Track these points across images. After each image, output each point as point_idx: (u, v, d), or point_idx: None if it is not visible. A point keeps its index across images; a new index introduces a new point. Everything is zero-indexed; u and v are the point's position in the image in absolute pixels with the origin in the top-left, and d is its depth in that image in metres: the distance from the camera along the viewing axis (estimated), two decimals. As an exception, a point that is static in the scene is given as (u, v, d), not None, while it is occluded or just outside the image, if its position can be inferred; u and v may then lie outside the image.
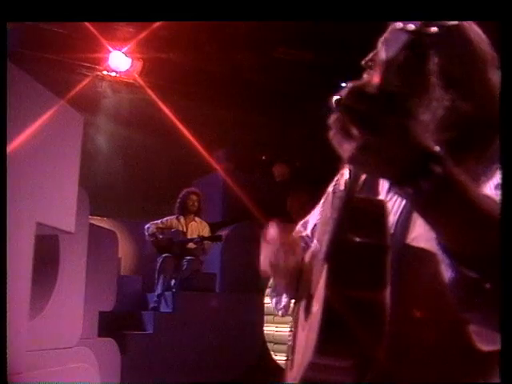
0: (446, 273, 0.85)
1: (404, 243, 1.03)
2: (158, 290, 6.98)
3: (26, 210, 3.01)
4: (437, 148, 0.77)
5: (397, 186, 0.79)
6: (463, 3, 0.70)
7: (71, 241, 4.02)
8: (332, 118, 0.78)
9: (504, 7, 0.72)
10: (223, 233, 7.42)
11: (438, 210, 0.79)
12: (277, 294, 1.46)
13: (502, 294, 0.77)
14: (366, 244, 0.88)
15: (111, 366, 5.09)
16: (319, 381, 0.90)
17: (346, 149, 0.77)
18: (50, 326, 3.77)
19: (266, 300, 5.01)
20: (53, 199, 3.38)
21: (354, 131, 0.75)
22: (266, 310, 4.86)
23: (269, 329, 4.63)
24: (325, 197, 1.40)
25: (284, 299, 1.43)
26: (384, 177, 0.83)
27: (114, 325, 6.01)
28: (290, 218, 7.76)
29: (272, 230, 1.29)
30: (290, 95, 9.40)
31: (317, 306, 0.92)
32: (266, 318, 4.82)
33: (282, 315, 1.45)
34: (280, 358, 4.29)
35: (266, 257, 1.29)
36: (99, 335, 5.04)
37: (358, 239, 0.88)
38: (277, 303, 1.45)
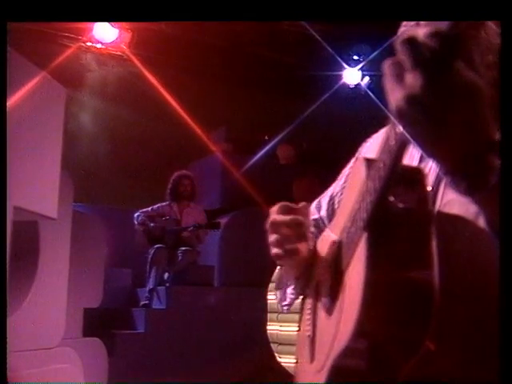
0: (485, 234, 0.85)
1: (438, 208, 1.03)
2: (150, 285, 6.97)
3: (1, 191, 2.99)
4: (498, 136, 0.73)
5: (449, 175, 0.76)
6: (463, 3, 0.73)
7: (53, 228, 4.02)
8: (389, 62, 0.74)
9: (504, 7, 0.75)
10: (222, 221, 7.40)
11: (490, 204, 0.78)
12: (282, 287, 1.44)
13: (501, 293, 0.79)
14: (411, 210, 0.89)
15: (97, 369, 5.11)
16: (354, 368, 0.89)
17: (395, 97, 0.73)
18: (29, 324, 3.77)
19: (270, 296, 5.01)
20: (32, 181, 3.36)
21: (410, 78, 0.72)
22: (269, 307, 4.86)
23: (272, 328, 4.61)
24: (344, 176, 1.38)
25: (290, 294, 1.41)
26: (434, 152, 0.78)
27: (100, 323, 6.03)
28: (295, 203, 7.69)
29: (279, 210, 1.26)
30: (296, 69, 9.35)
31: (353, 284, 0.91)
32: (268, 316, 4.81)
33: (286, 312, 1.44)
34: (285, 360, 4.28)
35: (273, 242, 1.26)
36: (84, 335, 5.06)
37: (401, 205, 0.88)
38: (281, 298, 1.44)
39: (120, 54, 8.63)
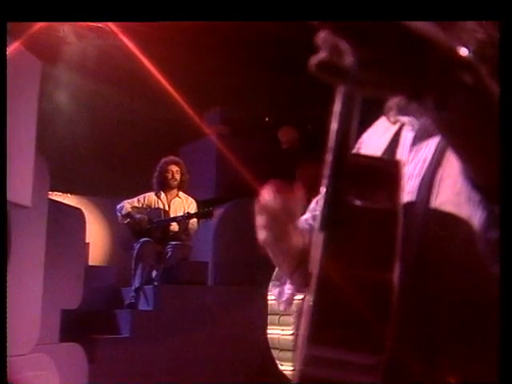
0: (478, 221, 0.91)
1: (429, 209, 1.08)
2: (136, 284, 6.97)
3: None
4: (464, 51, 0.79)
5: (414, 100, 0.82)
6: (463, 3, 0.79)
7: (26, 218, 4.00)
8: (320, 36, 0.80)
9: (504, 7, 0.81)
10: (216, 212, 7.39)
11: (466, 127, 0.83)
12: (280, 282, 1.46)
13: (501, 293, 0.84)
14: (371, 209, 0.91)
15: (76, 378, 5.12)
16: (320, 379, 0.92)
17: (341, 70, 0.78)
18: (-1, 327, 3.73)
19: (270, 296, 4.98)
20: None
21: (346, 46, 0.77)
22: (269, 308, 4.83)
23: (273, 332, 4.60)
24: None
25: (287, 290, 1.43)
26: (395, 94, 0.86)
27: (79, 326, 6.03)
28: None
29: (269, 190, 1.27)
30: (299, 43, 9.30)
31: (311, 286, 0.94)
32: (269, 318, 4.79)
33: (284, 309, 1.47)
34: (287, 367, 4.26)
35: (260, 225, 1.28)
36: (61, 339, 5.06)
37: (360, 203, 0.90)
38: (279, 294, 1.46)
39: (101, 26, 8.58)
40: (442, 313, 1.06)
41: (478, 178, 0.89)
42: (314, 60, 0.80)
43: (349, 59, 0.77)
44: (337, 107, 0.93)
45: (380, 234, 0.90)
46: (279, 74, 9.44)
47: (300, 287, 1.36)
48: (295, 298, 1.42)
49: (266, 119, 9.41)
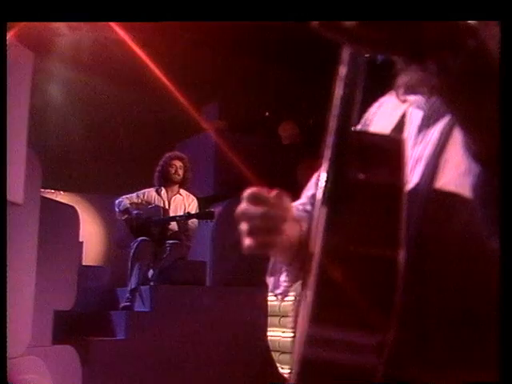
0: (478, 194, 0.94)
1: (431, 189, 1.11)
2: (132, 284, 6.94)
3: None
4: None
5: (414, 61, 0.84)
6: (463, 3, 0.81)
7: (18, 216, 3.98)
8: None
9: (504, 7, 0.84)
10: (215, 210, 7.37)
11: (467, 91, 0.86)
12: (275, 272, 1.45)
13: (502, 293, 0.87)
14: (374, 184, 0.93)
15: (69, 381, 5.09)
16: (322, 361, 0.93)
17: (342, 26, 0.80)
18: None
19: (270, 297, 4.97)
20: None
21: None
22: (269, 309, 4.82)
23: (274, 334, 4.58)
24: None
25: (283, 282, 1.42)
26: (395, 53, 0.87)
27: (73, 328, 6.02)
28: (300, 190, 7.75)
29: (248, 200, 1.26)
30: (301, 34, 9.28)
31: (312, 267, 0.95)
32: (269, 320, 4.78)
33: (281, 300, 1.48)
34: (288, 371, 4.24)
35: (243, 232, 1.23)
36: (54, 341, 5.04)
37: (362, 177, 0.92)
38: (275, 285, 1.45)
39: (96, 16, 8.56)
40: (440, 295, 1.08)
41: (477, 148, 0.92)
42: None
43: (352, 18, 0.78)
44: (341, 73, 0.96)
45: (384, 209, 0.91)
46: (279, 66, 9.44)
47: (297, 278, 1.36)
48: (290, 293, 1.42)
49: (266, 114, 9.40)
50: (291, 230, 1.27)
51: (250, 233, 1.23)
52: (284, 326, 4.55)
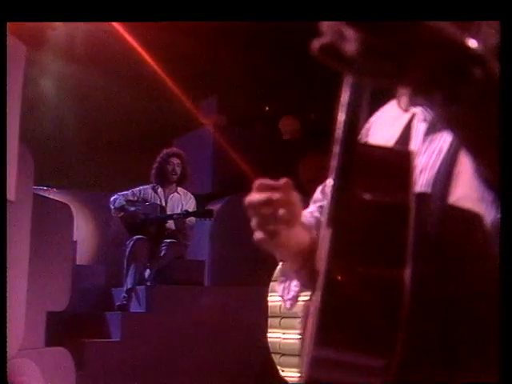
0: (492, 221, 0.96)
1: (446, 204, 1.09)
2: (128, 284, 6.93)
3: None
4: (473, 43, 0.81)
5: (421, 92, 0.85)
6: (463, 3, 0.83)
7: (10, 213, 3.96)
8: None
9: (504, 7, 0.85)
10: (213, 207, 7.37)
11: (475, 121, 0.86)
12: (286, 278, 1.45)
13: (501, 294, 0.88)
14: (381, 203, 0.92)
15: (63, 384, 5.05)
16: (327, 382, 0.94)
17: (344, 55, 0.80)
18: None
19: (271, 297, 4.96)
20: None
21: (352, 32, 0.78)
22: (269, 310, 4.81)
23: (274, 336, 4.57)
24: None
25: (293, 287, 1.42)
26: (401, 85, 0.90)
27: (67, 330, 6.02)
28: (301, 187, 7.76)
29: (255, 189, 1.27)
30: (301, 28, 9.27)
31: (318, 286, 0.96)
32: (269, 321, 4.77)
33: (289, 308, 1.46)
34: (289, 374, 4.24)
35: (254, 226, 1.26)
36: (47, 344, 5.04)
37: (369, 197, 0.92)
38: (284, 291, 1.45)
39: (91, 8, 8.54)
40: (459, 312, 1.07)
41: (489, 176, 0.92)
42: (317, 42, 0.81)
43: (354, 46, 0.79)
44: (344, 97, 0.94)
45: (390, 229, 0.90)
46: (280, 59, 9.42)
47: (307, 285, 1.36)
48: (301, 297, 1.41)
49: (266, 108, 9.40)
50: (301, 237, 1.29)
51: (259, 224, 1.25)
52: (285, 328, 4.55)
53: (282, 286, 1.46)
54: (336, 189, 0.94)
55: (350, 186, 0.92)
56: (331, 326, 0.89)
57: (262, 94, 9.27)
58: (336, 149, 0.94)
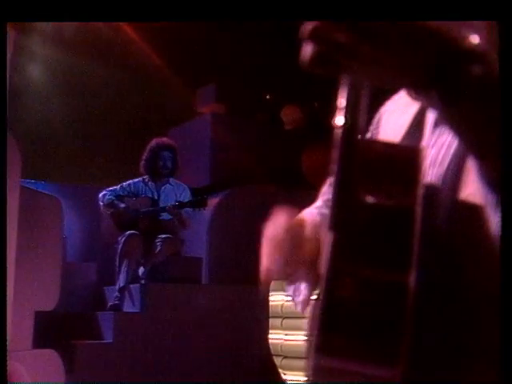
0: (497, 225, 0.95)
1: (457, 200, 1.08)
2: (121, 282, 6.94)
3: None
4: (474, 38, 0.82)
5: (419, 94, 0.89)
6: (462, 3, 0.86)
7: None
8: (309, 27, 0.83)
9: (504, 7, 0.88)
10: (212, 201, 7.36)
11: (476, 120, 0.87)
12: (295, 279, 1.44)
13: (501, 294, 0.90)
14: (386, 206, 0.92)
15: (52, 388, 5.06)
16: None
17: (339, 64, 0.83)
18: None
19: (272, 296, 4.94)
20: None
21: (344, 38, 0.80)
22: (271, 310, 4.79)
23: (275, 337, 4.56)
24: None
25: (304, 289, 1.39)
26: (398, 87, 0.97)
27: (56, 330, 6.05)
28: (304, 180, 7.77)
29: (277, 222, 1.30)
30: (307, 8, 9.26)
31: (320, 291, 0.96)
32: (271, 321, 4.76)
33: (301, 310, 1.43)
34: (291, 377, 4.23)
35: (271, 255, 1.30)
36: (35, 345, 5.02)
37: (372, 199, 0.91)
38: (295, 293, 1.42)
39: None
40: (470, 315, 1.07)
41: (492, 178, 0.92)
42: (307, 54, 0.83)
43: (347, 52, 0.81)
44: (343, 94, 0.95)
45: (395, 232, 0.90)
46: (281, 45, 9.39)
47: (317, 285, 1.32)
48: (312, 297, 1.40)
49: (267, 97, 9.38)
50: (309, 240, 1.29)
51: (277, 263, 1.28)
52: (287, 328, 4.54)
53: (292, 287, 1.45)
54: (336, 192, 0.93)
55: (350, 188, 0.92)
56: (333, 333, 0.89)
57: (263, 81, 9.25)
58: (336, 148, 0.94)
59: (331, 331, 0.88)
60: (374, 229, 0.91)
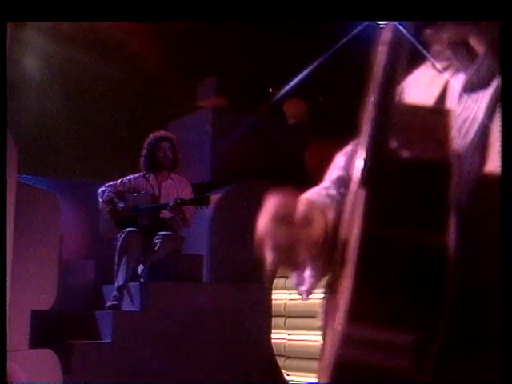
0: None
1: (484, 171, 1.10)
2: (120, 281, 6.92)
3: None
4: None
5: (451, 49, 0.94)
6: (463, 3, 0.90)
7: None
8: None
9: (504, 7, 0.91)
10: (213, 197, 7.35)
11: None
12: (298, 266, 1.43)
13: (502, 294, 0.91)
14: (420, 160, 0.92)
15: (49, 389, 5.06)
16: (359, 364, 0.92)
17: None
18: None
19: (275, 295, 4.95)
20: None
21: None
22: (274, 309, 4.80)
23: (279, 336, 4.57)
24: None
25: (309, 277, 1.37)
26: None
27: (53, 330, 6.04)
28: (308, 175, 7.77)
29: (275, 201, 1.28)
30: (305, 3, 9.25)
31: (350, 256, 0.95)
32: (273, 321, 4.76)
33: (305, 299, 1.43)
34: (294, 378, 4.23)
35: (273, 244, 1.26)
36: (31, 345, 5.03)
37: (406, 154, 0.92)
38: (298, 281, 1.40)
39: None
40: (488, 295, 1.05)
41: None
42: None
43: None
44: (381, 57, 0.96)
45: (431, 189, 0.91)
46: (284, 37, 9.39)
47: (323, 272, 1.36)
48: (316, 290, 1.39)
49: (270, 90, 9.36)
50: (317, 224, 1.26)
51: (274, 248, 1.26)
52: (290, 328, 4.54)
53: (295, 276, 1.42)
54: (371, 146, 0.93)
55: (385, 142, 0.92)
56: (366, 299, 0.88)
57: (266, 74, 9.24)
58: (371, 102, 0.95)
59: (365, 296, 0.88)
60: (407, 184, 0.91)
